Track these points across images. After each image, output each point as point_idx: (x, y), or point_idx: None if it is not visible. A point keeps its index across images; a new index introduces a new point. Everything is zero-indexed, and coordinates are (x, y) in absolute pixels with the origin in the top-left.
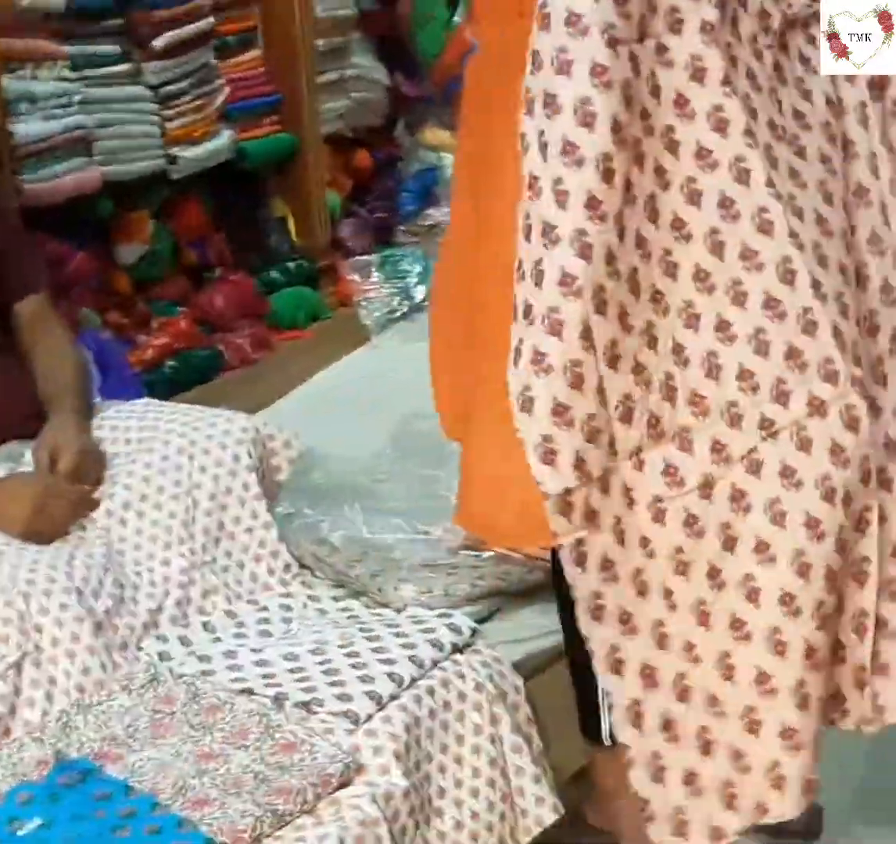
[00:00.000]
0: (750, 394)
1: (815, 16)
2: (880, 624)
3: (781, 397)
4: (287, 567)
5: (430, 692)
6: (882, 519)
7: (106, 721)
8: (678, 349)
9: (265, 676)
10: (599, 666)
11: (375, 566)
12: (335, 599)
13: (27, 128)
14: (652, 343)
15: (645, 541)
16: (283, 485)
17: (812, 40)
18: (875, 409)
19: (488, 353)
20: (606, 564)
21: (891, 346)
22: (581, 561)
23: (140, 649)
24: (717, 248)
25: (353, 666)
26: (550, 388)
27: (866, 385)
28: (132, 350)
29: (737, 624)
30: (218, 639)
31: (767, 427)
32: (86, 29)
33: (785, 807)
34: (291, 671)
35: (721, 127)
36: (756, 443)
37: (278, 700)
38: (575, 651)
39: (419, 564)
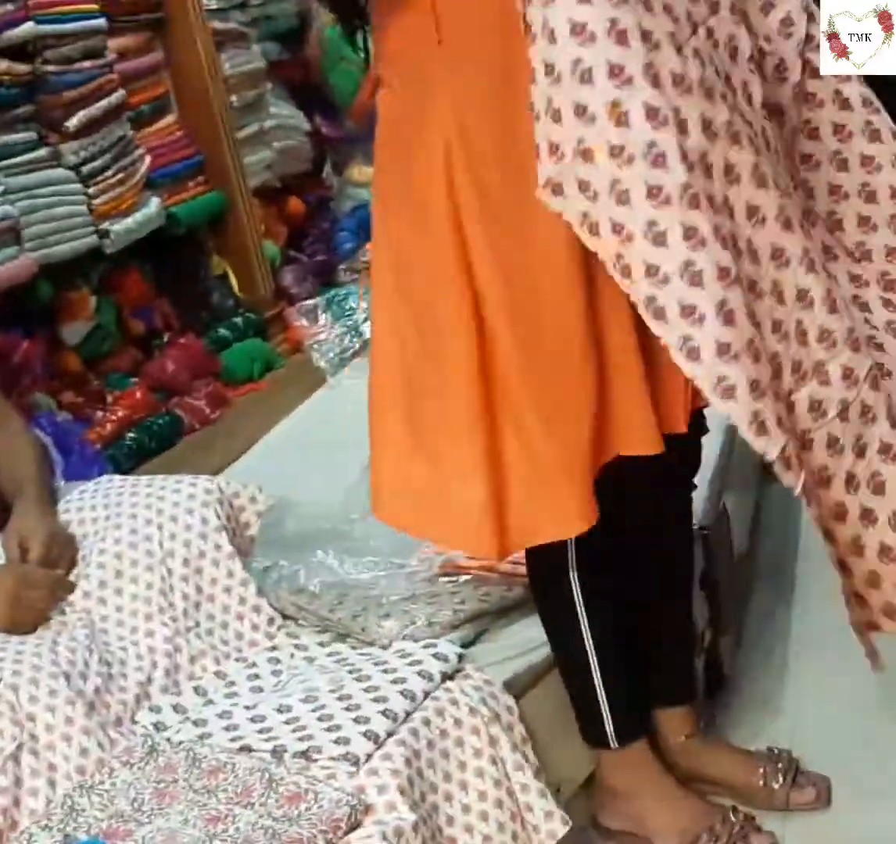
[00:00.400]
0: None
1: None
2: None
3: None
4: (270, 620)
5: (426, 723)
6: None
7: (111, 799)
8: (802, 294)
9: (261, 731)
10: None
11: (356, 606)
12: (322, 645)
13: None
14: (780, 298)
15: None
16: (256, 539)
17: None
18: None
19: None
20: None
21: None
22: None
23: (135, 723)
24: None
25: (347, 709)
26: (745, 372)
27: None
28: (91, 427)
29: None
30: (211, 702)
31: (879, 347)
32: None
33: None
34: (287, 722)
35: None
36: (872, 362)
37: (277, 752)
38: (566, 659)
39: (399, 598)
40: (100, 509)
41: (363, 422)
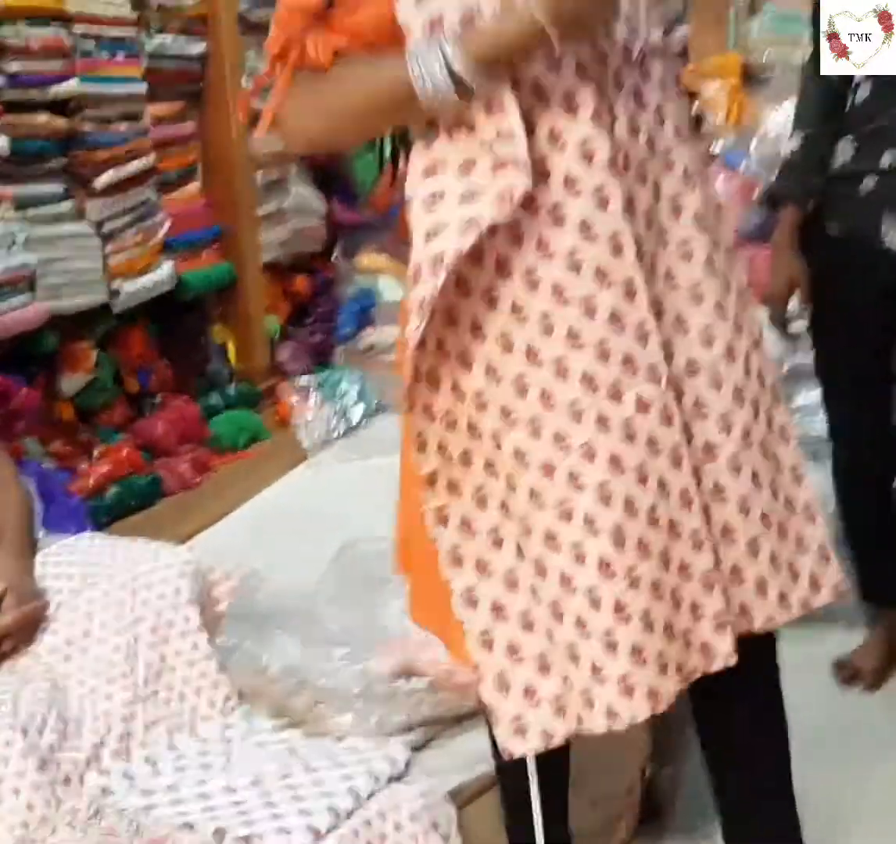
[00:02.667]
0: (590, 394)
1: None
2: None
3: (616, 396)
4: (227, 698)
5: (367, 823)
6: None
7: None
8: (532, 353)
9: (206, 809)
10: (455, 604)
11: (313, 696)
12: (274, 730)
13: None
14: (507, 347)
15: (504, 505)
16: (229, 613)
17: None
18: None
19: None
20: (465, 523)
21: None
22: (443, 520)
23: (83, 784)
24: (576, 266)
25: (293, 799)
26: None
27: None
28: (75, 478)
29: (565, 579)
30: (159, 773)
31: (602, 422)
32: (29, 170)
33: (594, 723)
34: (232, 804)
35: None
36: (591, 436)
37: (219, 833)
38: (506, 778)
39: (356, 694)
40: (77, 566)
41: (338, 504)
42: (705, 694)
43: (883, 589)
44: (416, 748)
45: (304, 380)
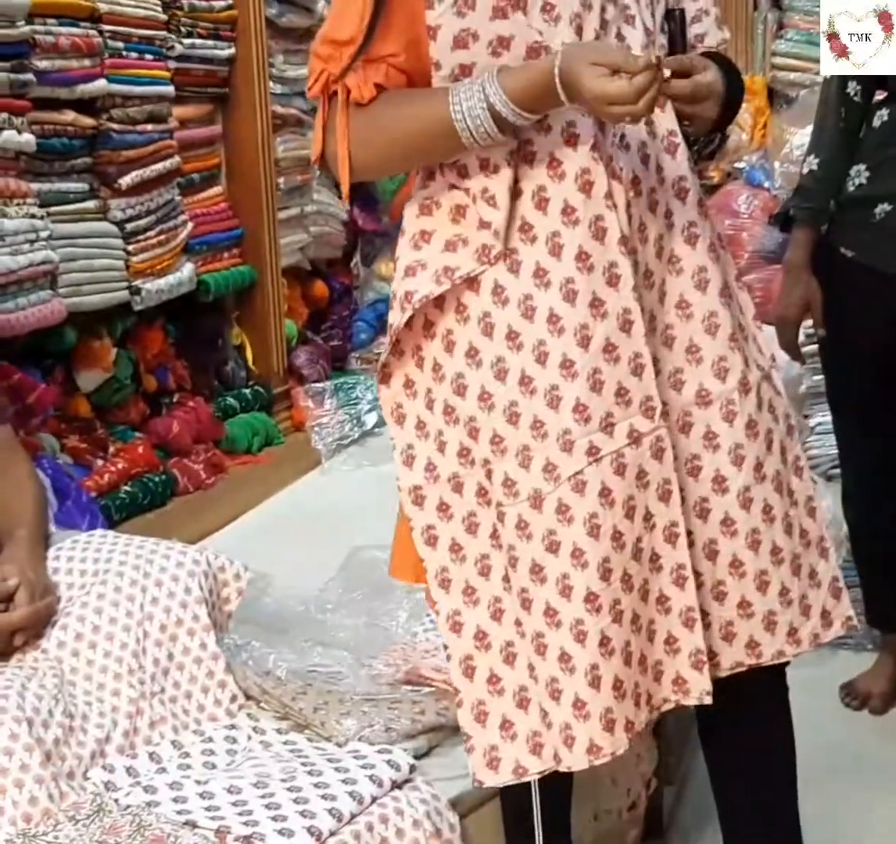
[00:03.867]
0: (582, 424)
1: None
2: (704, 615)
3: (608, 428)
4: (233, 698)
5: (369, 828)
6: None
7: None
8: (526, 380)
9: (208, 809)
10: (440, 625)
11: (318, 699)
12: (279, 732)
13: None
14: (500, 374)
15: (495, 533)
16: (234, 615)
17: None
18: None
19: None
20: (455, 547)
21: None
22: (432, 542)
23: (87, 778)
24: (570, 296)
25: (295, 801)
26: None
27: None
28: (89, 474)
29: (551, 611)
30: (163, 770)
31: (593, 453)
32: (54, 167)
33: (573, 761)
34: (234, 804)
35: (587, 188)
36: (583, 467)
37: (220, 833)
38: (508, 789)
39: (361, 698)
40: (89, 562)
41: (349, 509)
42: (714, 714)
43: (891, 614)
44: (420, 755)
45: (319, 385)
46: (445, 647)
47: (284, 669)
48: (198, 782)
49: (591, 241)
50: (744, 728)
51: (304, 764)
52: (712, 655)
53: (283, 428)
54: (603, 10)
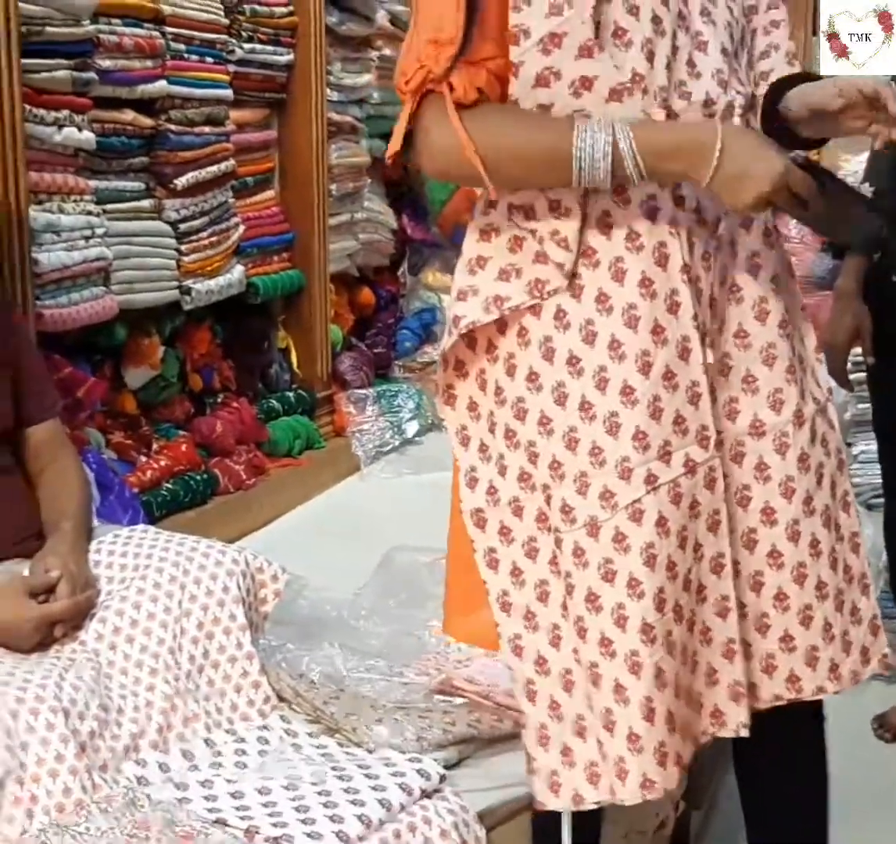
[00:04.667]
0: (641, 452)
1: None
2: (746, 646)
3: (665, 456)
4: (266, 699)
5: (397, 835)
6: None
7: (83, 843)
8: (586, 406)
9: (239, 808)
10: (503, 648)
11: (350, 705)
12: (311, 735)
13: (50, 257)
14: (560, 399)
15: (554, 559)
16: (270, 616)
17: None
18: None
19: None
20: (516, 571)
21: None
22: (494, 565)
23: (119, 772)
24: (633, 322)
25: (325, 805)
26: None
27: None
28: (132, 471)
29: (605, 641)
30: (195, 767)
31: (651, 481)
32: (112, 166)
33: (627, 795)
34: (264, 805)
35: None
36: (640, 495)
37: (250, 833)
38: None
39: (393, 706)
40: (130, 557)
41: (386, 516)
42: (750, 744)
43: None
44: (449, 766)
45: (361, 391)
46: (510, 667)
47: (318, 673)
48: (229, 781)
49: (655, 268)
50: (779, 760)
51: (334, 769)
52: (752, 687)
53: (325, 433)
54: (674, 36)
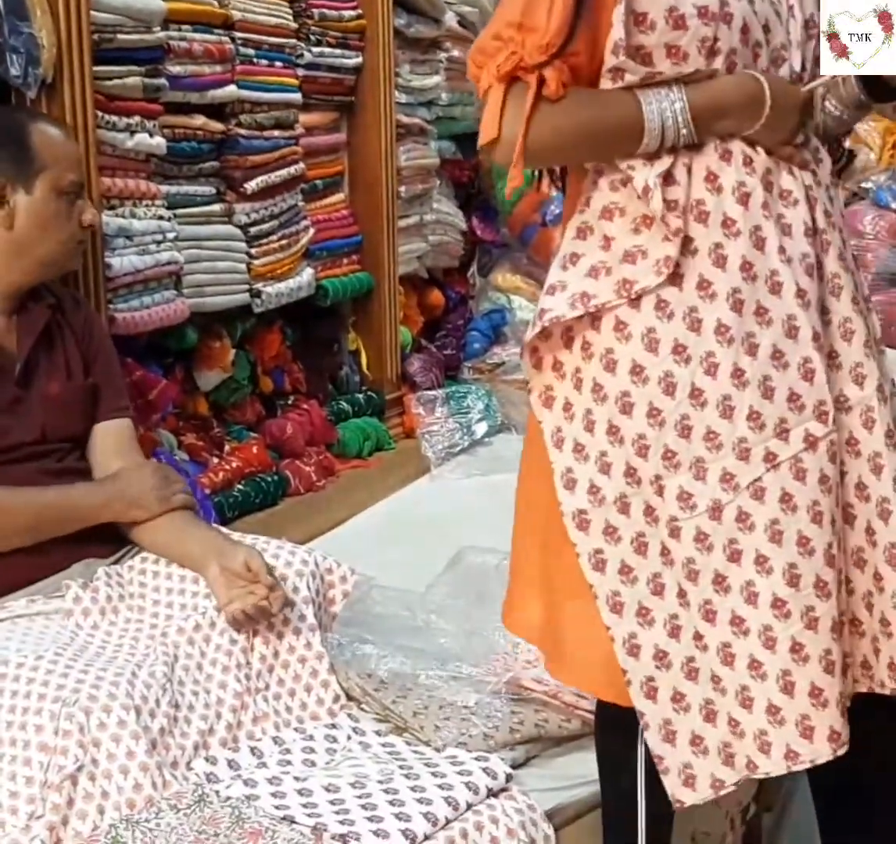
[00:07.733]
0: (757, 432)
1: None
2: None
3: (783, 434)
4: (335, 698)
5: (464, 835)
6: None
7: (152, 838)
8: (696, 393)
9: (306, 805)
10: (617, 651)
11: (418, 704)
12: (378, 734)
13: (122, 261)
14: (669, 389)
15: (665, 551)
16: (340, 616)
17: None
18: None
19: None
20: (625, 569)
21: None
22: (600, 566)
23: (189, 768)
24: (737, 306)
25: (391, 803)
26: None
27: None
28: (204, 472)
29: (737, 620)
30: (264, 765)
31: (771, 459)
32: (183, 170)
33: (771, 766)
34: (332, 802)
35: (744, 200)
36: (761, 474)
37: (317, 830)
38: (610, 806)
39: (461, 705)
40: None
41: (456, 517)
42: None
43: None
44: (517, 765)
45: (431, 392)
46: (624, 672)
47: (386, 671)
48: (297, 778)
49: (753, 251)
50: (854, 757)
51: (401, 767)
52: (868, 666)
53: (394, 434)
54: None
